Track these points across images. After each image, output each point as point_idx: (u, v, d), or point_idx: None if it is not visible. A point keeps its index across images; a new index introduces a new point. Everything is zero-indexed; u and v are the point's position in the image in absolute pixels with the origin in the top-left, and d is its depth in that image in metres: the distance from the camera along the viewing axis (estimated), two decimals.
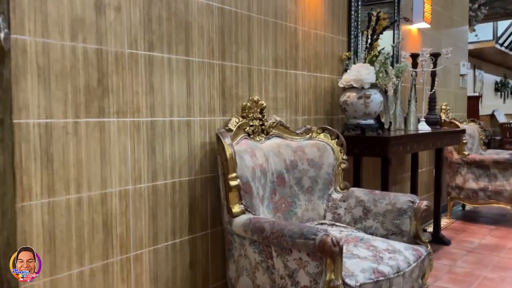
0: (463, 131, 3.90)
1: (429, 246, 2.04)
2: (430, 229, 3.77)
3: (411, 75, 3.38)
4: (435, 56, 3.54)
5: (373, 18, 2.71)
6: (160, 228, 1.81)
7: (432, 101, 3.69)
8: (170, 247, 1.86)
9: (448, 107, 4.60)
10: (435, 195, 3.68)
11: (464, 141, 4.23)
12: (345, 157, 2.37)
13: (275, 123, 2.30)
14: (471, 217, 4.57)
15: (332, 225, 2.18)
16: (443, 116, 4.45)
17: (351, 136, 2.71)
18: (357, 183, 2.83)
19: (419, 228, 2.02)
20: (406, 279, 1.76)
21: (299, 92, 2.59)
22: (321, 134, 2.42)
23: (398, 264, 1.73)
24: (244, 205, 1.85)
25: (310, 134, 2.41)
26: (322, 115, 2.81)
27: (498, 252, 3.33)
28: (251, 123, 2.19)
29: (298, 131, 2.40)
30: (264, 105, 2.24)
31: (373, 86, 2.68)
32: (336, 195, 2.30)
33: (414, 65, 3.53)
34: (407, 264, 1.77)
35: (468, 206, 4.84)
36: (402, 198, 2.07)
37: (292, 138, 2.35)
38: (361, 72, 2.60)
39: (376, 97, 2.66)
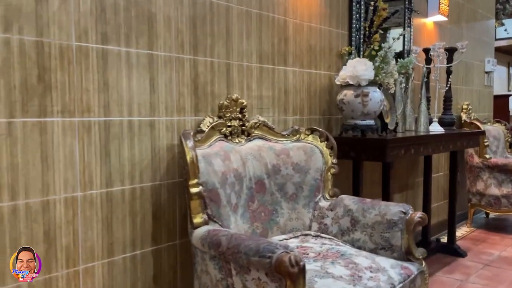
0: (482, 132, 3.58)
1: (423, 264, 1.80)
2: (445, 239, 3.48)
3: (423, 71, 3.11)
4: (449, 51, 3.25)
5: (370, 8, 2.47)
6: (117, 239, 1.65)
7: (447, 100, 3.40)
8: (129, 259, 1.70)
9: (470, 107, 4.28)
10: (450, 202, 3.39)
11: (486, 144, 3.90)
12: (335, 161, 2.16)
13: (258, 124, 2.11)
14: (494, 226, 4.23)
15: (317, 236, 1.97)
16: (464, 117, 4.14)
17: (347, 138, 2.49)
18: (356, 191, 2.60)
19: (411, 242, 1.78)
20: None
21: (289, 90, 2.38)
22: (310, 135, 2.21)
23: (379, 285, 1.51)
24: (209, 215, 1.67)
25: (297, 135, 2.21)
26: (318, 115, 2.59)
27: None
28: (229, 124, 2.00)
29: (284, 133, 2.20)
30: (245, 103, 2.06)
31: (372, 83, 2.44)
32: (324, 203, 2.08)
33: (428, 61, 3.26)
34: (390, 286, 1.55)
35: (492, 214, 4.50)
36: (393, 209, 1.84)
37: (277, 140, 2.15)
38: (357, 68, 2.37)
39: (375, 95, 2.42)
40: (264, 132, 2.13)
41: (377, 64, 2.46)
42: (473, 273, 2.89)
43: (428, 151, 2.69)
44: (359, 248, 1.88)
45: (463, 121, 4.11)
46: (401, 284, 1.59)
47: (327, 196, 2.12)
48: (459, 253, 3.25)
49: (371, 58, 2.51)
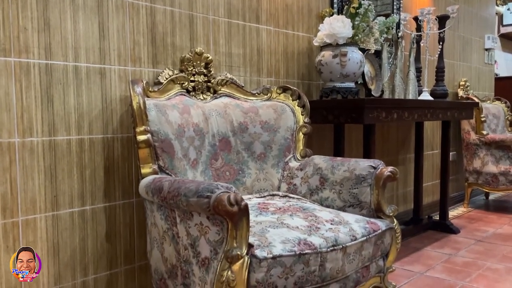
0: (475, 104, 3.42)
1: (395, 221, 1.68)
2: (437, 217, 3.34)
3: (411, 38, 2.96)
4: (441, 19, 3.10)
5: None
6: (62, 191, 1.55)
7: (439, 70, 3.25)
8: (77, 215, 1.60)
9: (468, 84, 4.12)
10: (441, 179, 3.24)
11: (482, 119, 3.74)
12: (307, 120, 2.04)
13: (225, 81, 1.99)
14: (494, 207, 4.07)
15: (285, 196, 1.85)
16: (461, 93, 3.98)
17: (324, 101, 2.37)
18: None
19: (381, 198, 1.66)
20: (350, 256, 1.42)
21: (263, 50, 2.27)
22: (282, 94, 2.09)
23: (337, 236, 1.39)
24: (160, 166, 1.56)
25: (268, 94, 2.09)
26: (296, 79, 2.47)
27: None
28: (192, 79, 1.89)
29: (254, 91, 2.08)
30: (210, 58, 1.94)
31: (352, 43, 2.32)
32: (294, 164, 1.96)
33: (419, 30, 3.11)
34: (351, 238, 1.42)
35: (493, 195, 4.33)
36: (363, 164, 1.71)
37: (246, 99, 2.04)
38: (333, 25, 2.24)
39: (354, 55, 2.30)
40: (233, 90, 2.02)
41: (356, 22, 2.33)
42: (463, 248, 2.75)
43: (414, 117, 2.55)
44: (328, 206, 1.75)
45: (459, 97, 3.95)
46: (364, 238, 1.47)
47: (298, 156, 2.00)
48: (452, 230, 3.11)
49: (352, 17, 2.39)
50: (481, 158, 3.74)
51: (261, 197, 1.85)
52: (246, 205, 1.18)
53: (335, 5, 2.62)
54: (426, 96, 2.96)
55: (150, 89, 1.67)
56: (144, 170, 1.50)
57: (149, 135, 1.51)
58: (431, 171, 3.71)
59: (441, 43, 3.17)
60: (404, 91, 2.92)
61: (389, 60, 3.08)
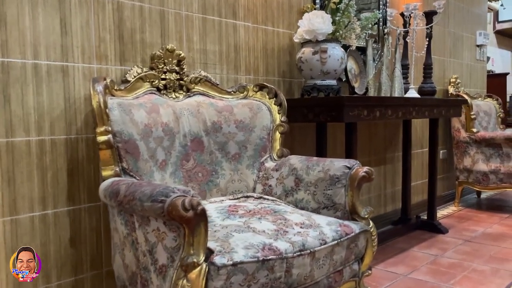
0: (463, 101, 3.36)
1: (370, 223, 1.62)
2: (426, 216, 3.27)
3: (396, 34, 2.89)
4: (428, 14, 3.03)
5: None
6: (21, 195, 1.49)
7: (427, 67, 3.18)
8: (38, 219, 1.53)
9: (459, 81, 4.05)
10: (429, 178, 3.18)
11: (472, 116, 3.68)
12: (284, 119, 1.97)
13: (199, 79, 1.93)
14: (485, 205, 4.01)
15: (260, 198, 1.79)
16: (451, 90, 3.91)
17: (305, 99, 2.30)
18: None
19: (356, 200, 1.60)
20: (320, 261, 1.36)
21: (240, 47, 2.20)
22: (258, 92, 2.03)
23: (305, 241, 1.33)
24: (124, 168, 1.49)
25: (245, 92, 2.03)
26: (277, 77, 2.40)
27: (502, 241, 2.80)
28: (163, 76, 1.83)
29: (229, 89, 2.02)
30: (183, 55, 1.88)
31: (332, 40, 2.25)
32: (270, 164, 1.90)
33: (406, 26, 3.04)
34: (321, 242, 1.36)
35: (485, 193, 4.27)
36: (338, 164, 1.65)
37: (221, 97, 1.97)
38: (313, 21, 2.18)
39: (335, 52, 2.23)
40: (207, 88, 1.95)
41: (337, 18, 2.26)
42: (450, 248, 2.69)
43: (398, 115, 2.49)
44: (302, 208, 1.69)
45: (450, 94, 3.89)
46: (335, 242, 1.41)
47: (275, 156, 1.94)
48: (440, 230, 3.05)
49: (333, 13, 2.32)
50: (472, 156, 3.68)
51: (235, 199, 1.78)
52: (203, 210, 1.11)
53: (317, 0, 2.55)
54: (412, 93, 2.89)
55: (115, 88, 1.61)
56: (105, 172, 1.44)
57: (110, 136, 1.45)
58: (421, 170, 3.65)
59: (428, 39, 3.10)
60: (390, 88, 2.86)
61: (375, 57, 3.02)
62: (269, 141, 1.95)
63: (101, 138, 1.43)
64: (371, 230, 1.60)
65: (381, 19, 3.04)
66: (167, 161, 1.69)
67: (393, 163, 3.33)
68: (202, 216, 1.12)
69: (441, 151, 3.96)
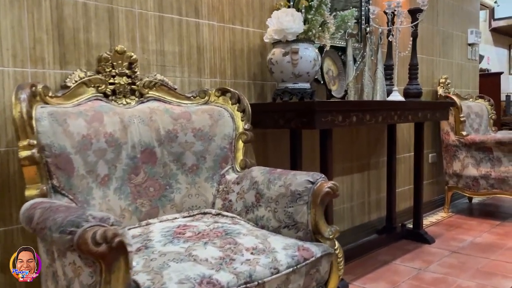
0: (450, 103, 3.19)
1: (336, 245, 1.45)
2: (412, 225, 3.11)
3: (378, 33, 2.72)
4: (412, 12, 2.87)
5: None
6: None
7: (413, 68, 3.02)
8: None
9: (448, 81, 3.89)
10: (415, 184, 3.01)
11: (462, 119, 3.51)
12: (247, 126, 1.81)
13: (154, 83, 1.76)
14: (477, 211, 3.85)
15: (218, 215, 1.62)
16: (440, 91, 3.75)
17: (274, 104, 2.14)
18: (294, 167, 2.25)
19: (320, 218, 1.43)
20: None
21: (204, 48, 2.03)
22: (220, 97, 1.86)
23: (253, 270, 1.16)
24: (55, 186, 1.32)
25: (206, 97, 1.86)
26: (247, 79, 2.23)
27: (491, 253, 2.64)
28: (112, 81, 1.66)
29: (189, 94, 1.85)
30: (135, 57, 1.71)
31: (305, 40, 2.08)
32: (232, 176, 1.73)
33: (390, 25, 2.88)
34: (272, 271, 1.20)
35: (476, 198, 4.11)
36: (300, 178, 1.48)
37: (179, 103, 1.80)
38: (282, 20, 2.01)
39: (307, 52, 2.06)
40: (163, 93, 1.78)
41: (310, 16, 2.10)
42: (435, 261, 2.53)
43: (378, 120, 2.32)
44: (263, 227, 1.53)
45: (439, 95, 3.72)
46: (290, 269, 1.24)
47: (237, 168, 1.77)
48: (426, 240, 2.88)
49: (307, 11, 2.15)
50: (461, 160, 3.52)
51: (190, 216, 1.62)
52: (121, 243, 0.94)
53: None
54: (396, 95, 2.72)
55: (50, 95, 1.44)
56: (28, 192, 1.26)
57: (34, 151, 1.27)
58: (408, 175, 3.48)
59: (413, 38, 2.93)
60: (372, 90, 2.69)
61: (357, 57, 2.85)
62: (231, 151, 1.78)
63: (23, 153, 1.26)
64: (337, 252, 1.44)
65: (363, 17, 2.88)
66: (111, 175, 1.52)
67: (378, 168, 3.17)
68: (120, 250, 0.95)
69: (430, 155, 3.80)
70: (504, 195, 3.33)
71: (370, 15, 2.80)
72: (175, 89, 1.82)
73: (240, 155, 1.79)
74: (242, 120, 1.80)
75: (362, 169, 3.03)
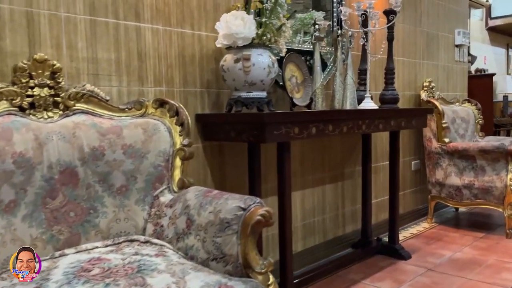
0: (428, 110, 3.01)
1: (271, 279, 1.28)
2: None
3: (347, 36, 2.54)
4: (387, 13, 2.69)
5: None
6: None
7: (389, 72, 2.83)
8: None
9: (433, 85, 3.71)
10: (390, 196, 2.84)
11: (444, 125, 3.34)
12: (186, 141, 1.64)
13: (81, 94, 1.59)
14: (462, 221, 3.67)
15: (147, 242, 1.46)
16: (423, 95, 3.57)
17: (223, 114, 1.98)
18: (252, 185, 2.09)
19: (250, 250, 1.27)
20: None
21: (147, 54, 1.86)
22: (158, 109, 1.69)
23: None
24: None
25: (142, 109, 1.69)
26: (199, 87, 2.06)
27: (468, 271, 2.46)
28: (30, 93, 1.49)
29: (123, 106, 1.68)
30: (58, 66, 1.54)
31: (258, 45, 1.91)
32: (165, 198, 1.57)
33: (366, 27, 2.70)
34: None
35: (463, 208, 3.93)
36: (231, 203, 1.32)
37: (111, 116, 1.63)
38: (230, 23, 1.84)
39: (260, 59, 1.90)
40: (93, 106, 1.62)
41: (264, 19, 1.93)
42: (407, 281, 2.35)
43: (342, 130, 2.15)
44: (192, 258, 1.36)
45: (421, 100, 3.55)
46: None
47: (174, 188, 1.61)
48: (401, 255, 2.71)
49: (262, 14, 1.98)
50: (444, 168, 3.34)
51: (114, 244, 1.45)
52: None
53: None
54: (368, 102, 2.55)
55: None
56: None
57: None
58: (387, 184, 3.31)
59: (388, 40, 2.76)
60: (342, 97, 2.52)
61: (329, 62, 2.68)
62: (167, 170, 1.61)
63: None
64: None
65: (335, 19, 2.70)
66: (19, 201, 1.35)
67: (354, 178, 2.99)
68: None
69: (413, 162, 3.63)
70: (488, 206, 3.16)
71: (342, 17, 2.62)
72: (107, 100, 1.65)
73: (177, 174, 1.62)
74: (180, 135, 1.64)
75: (335, 180, 2.86)
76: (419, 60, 3.65)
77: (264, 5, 1.93)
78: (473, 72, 6.12)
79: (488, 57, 8.17)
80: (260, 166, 2.14)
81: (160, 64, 1.91)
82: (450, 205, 3.40)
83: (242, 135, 1.87)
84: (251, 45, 1.90)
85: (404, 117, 2.61)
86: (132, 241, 1.47)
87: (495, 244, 2.93)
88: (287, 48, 2.13)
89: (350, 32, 2.53)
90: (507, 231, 3.06)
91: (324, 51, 2.67)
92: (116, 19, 1.75)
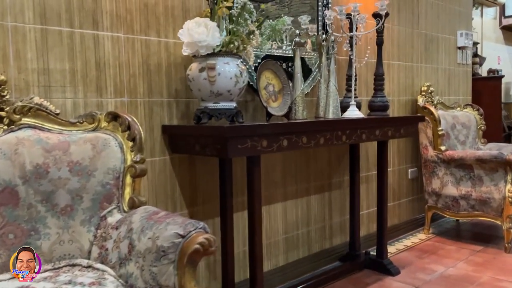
0: (419, 118, 2.85)
1: None
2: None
3: (329, 41, 2.41)
4: (377, 17, 2.56)
5: None
6: None
7: (378, 78, 2.70)
8: None
9: (432, 89, 3.55)
10: (378, 208, 2.70)
11: (440, 132, 3.18)
12: (137, 158, 1.55)
13: (28, 107, 1.51)
14: (460, 233, 3.51)
15: (89, 267, 1.37)
16: (420, 100, 3.41)
17: (186, 126, 1.88)
18: (223, 202, 1.99)
19: (188, 281, 1.16)
20: None
21: (106, 63, 1.77)
22: (111, 123, 1.60)
23: None
24: None
25: (95, 123, 1.60)
26: (166, 97, 1.97)
27: None
28: None
29: (74, 120, 1.59)
30: (2, 79, 1.46)
31: (225, 53, 1.81)
32: (114, 219, 1.47)
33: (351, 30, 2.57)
34: None
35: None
36: (170, 229, 1.22)
37: (61, 130, 1.55)
38: (192, 31, 1.74)
39: (227, 68, 1.79)
40: (42, 120, 1.53)
41: (230, 26, 1.82)
42: None
43: (319, 142, 2.03)
44: (132, 287, 1.26)
45: (418, 105, 3.39)
46: None
47: (125, 207, 1.51)
48: (389, 271, 2.58)
49: (231, 20, 1.87)
50: (440, 178, 3.19)
51: (54, 269, 1.37)
52: None
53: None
54: (353, 111, 2.42)
55: None
56: None
57: None
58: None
59: (377, 45, 2.63)
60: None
61: (313, 67, 2.57)
62: (117, 188, 1.52)
63: None
64: None
65: (320, 23, 2.58)
66: None
67: (342, 188, 2.86)
68: None
69: (409, 170, 3.48)
70: (485, 218, 3.00)
71: (326, 21, 2.50)
72: (57, 114, 1.56)
73: (129, 192, 1.53)
74: (131, 151, 1.54)
75: (321, 190, 2.74)
76: (416, 63, 3.50)
77: (231, 11, 1.82)
78: (483, 74, 5.91)
79: (502, 56, 7.91)
80: (232, 178, 2.04)
81: (121, 74, 1.82)
82: (447, 215, 3.24)
83: (206, 149, 1.77)
84: (218, 53, 1.80)
85: (391, 126, 2.47)
86: (74, 265, 1.38)
87: (492, 259, 2.78)
88: (266, 54, 2.02)
89: (332, 37, 2.40)
90: (506, 245, 2.89)
91: (309, 56, 2.55)
92: (70, 28, 1.67)
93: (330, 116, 2.34)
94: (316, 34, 2.55)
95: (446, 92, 3.88)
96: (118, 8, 1.80)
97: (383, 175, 2.63)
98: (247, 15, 1.80)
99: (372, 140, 2.41)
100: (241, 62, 1.86)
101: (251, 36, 1.83)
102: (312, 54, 2.56)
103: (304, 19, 2.37)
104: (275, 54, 2.31)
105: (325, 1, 2.63)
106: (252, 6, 1.83)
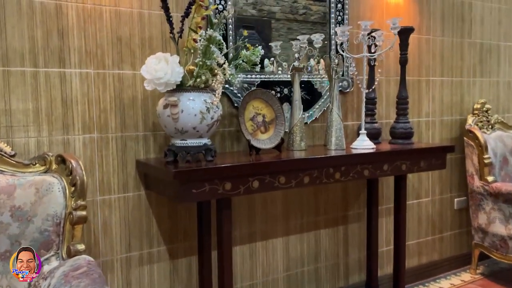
0: (447, 148, 2.42)
1: None
2: None
3: (333, 64, 2.17)
4: (402, 33, 2.26)
5: None
6: None
7: (401, 102, 2.40)
8: None
9: (487, 106, 3.09)
10: (395, 245, 2.39)
11: (486, 161, 2.75)
12: (77, 204, 1.50)
13: None
14: None
15: None
16: (470, 120, 2.98)
17: (150, 165, 1.79)
18: (201, 245, 1.90)
19: None
20: None
21: (73, 100, 1.76)
22: (59, 166, 1.58)
23: None
24: None
25: (46, 165, 1.59)
26: (142, 131, 1.91)
27: None
28: None
29: (28, 162, 1.60)
30: None
31: (191, 88, 1.70)
32: (49, 267, 1.45)
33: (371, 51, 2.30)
34: None
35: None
36: None
37: (14, 172, 1.56)
38: (150, 67, 1.65)
39: (191, 104, 1.68)
40: None
41: (196, 60, 1.71)
42: None
43: (302, 182, 1.83)
44: None
45: (466, 127, 2.97)
46: None
47: (64, 255, 1.48)
48: None
49: (206, 51, 1.76)
50: (487, 212, 2.76)
51: None
52: None
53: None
54: (362, 141, 2.16)
55: None
56: None
57: None
58: (416, 225, 2.84)
59: (400, 65, 2.33)
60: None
61: (323, 91, 2.36)
62: (57, 235, 1.49)
63: None
64: None
65: (332, 44, 2.36)
66: None
67: (360, 221, 2.60)
68: None
69: (456, 199, 3.08)
70: None
71: (337, 41, 2.25)
72: (13, 155, 1.58)
73: (70, 239, 1.49)
74: (72, 196, 1.50)
75: (334, 224, 2.51)
76: (467, 78, 3.07)
77: (196, 44, 1.70)
78: None
79: None
80: (210, 216, 1.93)
81: (90, 110, 1.80)
82: (494, 256, 2.79)
83: (165, 191, 1.69)
84: (183, 88, 1.70)
85: (406, 160, 2.16)
86: None
87: None
88: (261, 80, 1.87)
89: (336, 61, 2.17)
90: None
91: (319, 79, 2.35)
92: (34, 68, 1.68)
93: (332, 147, 2.12)
94: (328, 55, 2.34)
95: (508, 108, 3.36)
96: (87, 45, 1.77)
97: (400, 209, 2.33)
98: (214, 47, 1.67)
99: (379, 176, 2.13)
100: (210, 96, 1.73)
101: (220, 69, 1.69)
102: (323, 76, 2.35)
103: (318, 37, 2.17)
104: (277, 79, 2.16)
105: (341, 17, 2.40)
106: (220, 38, 1.69)
